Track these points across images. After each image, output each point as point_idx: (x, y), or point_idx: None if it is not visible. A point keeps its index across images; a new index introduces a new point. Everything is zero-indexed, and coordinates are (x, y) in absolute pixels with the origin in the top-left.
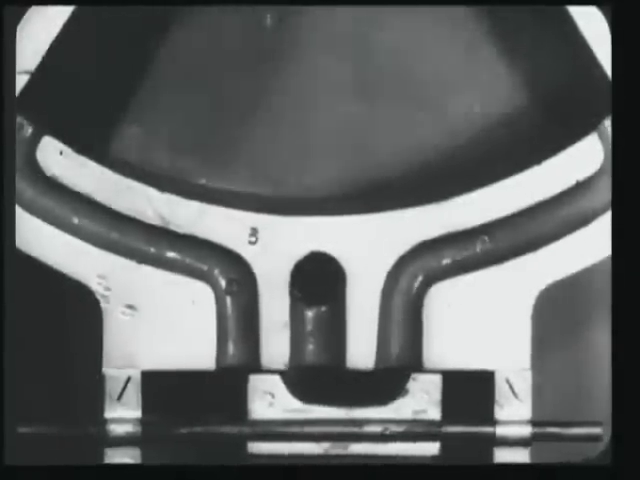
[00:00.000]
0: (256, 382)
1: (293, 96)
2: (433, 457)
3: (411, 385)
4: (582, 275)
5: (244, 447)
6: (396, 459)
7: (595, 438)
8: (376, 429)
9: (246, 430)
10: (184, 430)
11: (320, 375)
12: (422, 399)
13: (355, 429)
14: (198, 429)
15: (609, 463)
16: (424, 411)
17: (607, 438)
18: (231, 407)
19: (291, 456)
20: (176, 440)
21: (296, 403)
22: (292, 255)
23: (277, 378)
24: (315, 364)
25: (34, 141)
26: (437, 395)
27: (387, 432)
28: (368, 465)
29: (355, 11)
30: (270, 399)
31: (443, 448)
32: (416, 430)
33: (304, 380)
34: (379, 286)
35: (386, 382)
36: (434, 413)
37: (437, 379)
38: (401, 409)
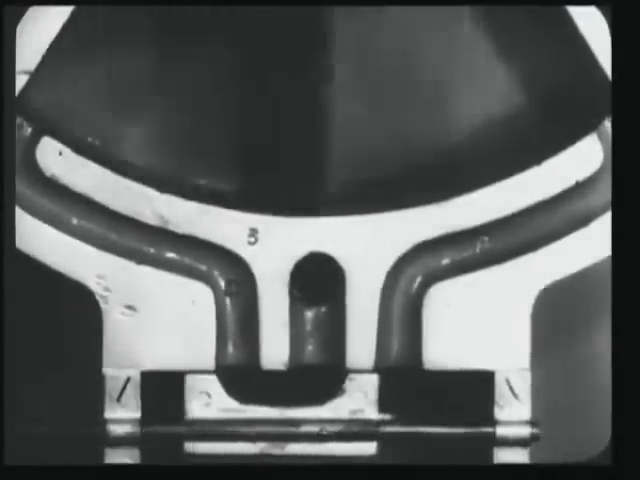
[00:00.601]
0: (193, 382)
1: (293, 96)
2: (370, 457)
3: (348, 385)
4: (582, 275)
5: (181, 447)
6: (332, 459)
7: (595, 438)
8: (313, 429)
9: (183, 430)
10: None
11: (254, 375)
12: (359, 398)
13: (292, 429)
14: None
15: (609, 463)
16: (361, 411)
17: (607, 438)
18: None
19: (227, 456)
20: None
21: (232, 403)
22: (291, 255)
23: (214, 378)
24: (315, 364)
25: (33, 141)
26: (374, 395)
27: (324, 432)
28: (305, 465)
29: (355, 11)
30: (206, 399)
31: (380, 448)
32: (353, 430)
33: (239, 380)
34: (379, 286)
35: (324, 382)
36: (371, 413)
37: (374, 378)
38: (338, 409)
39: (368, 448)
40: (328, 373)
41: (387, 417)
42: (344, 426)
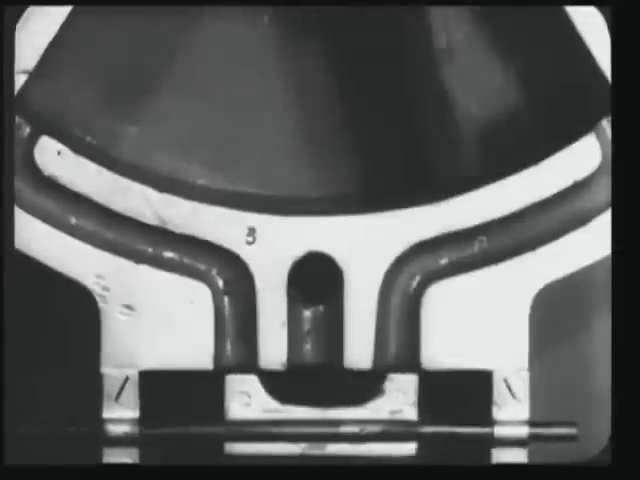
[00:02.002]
0: (233, 383)
1: (292, 96)
2: (410, 457)
3: (387, 385)
4: (581, 275)
5: (221, 447)
6: (373, 459)
7: (568, 438)
8: (353, 429)
9: (223, 430)
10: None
11: (296, 375)
12: (398, 399)
13: (332, 429)
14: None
15: (609, 463)
16: (400, 411)
17: (607, 438)
18: (209, 407)
19: (268, 457)
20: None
21: (273, 403)
22: (290, 255)
23: (254, 379)
24: (313, 364)
25: (32, 141)
26: (413, 395)
27: (364, 432)
28: (345, 465)
29: (355, 11)
30: (247, 399)
31: (420, 448)
32: (393, 430)
33: (280, 380)
34: (377, 286)
35: (362, 382)
36: (410, 413)
37: (413, 379)
38: (377, 409)
39: (408, 449)
40: (326, 372)
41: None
42: (384, 426)
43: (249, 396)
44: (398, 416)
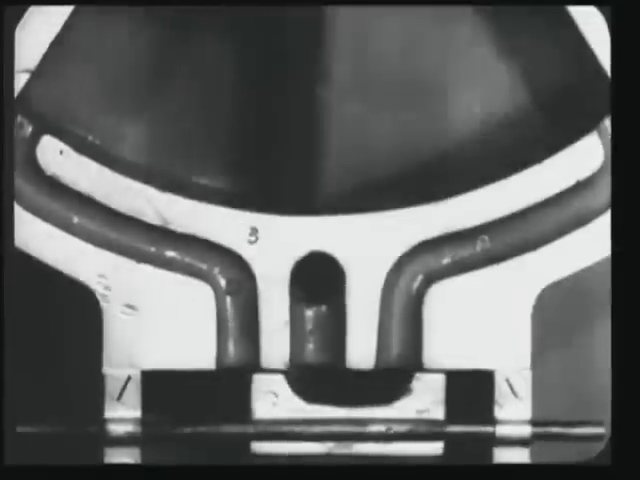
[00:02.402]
0: (259, 382)
1: (293, 96)
2: (437, 457)
3: (414, 384)
4: (582, 275)
5: (248, 447)
6: (400, 459)
7: (596, 438)
8: (379, 429)
9: (250, 430)
10: (187, 430)
11: (323, 374)
12: (425, 399)
13: (359, 429)
14: (202, 429)
15: (609, 463)
16: (427, 410)
17: (607, 438)
18: (234, 407)
19: (295, 456)
20: (177, 440)
21: (299, 403)
22: (292, 254)
23: (280, 378)
24: (315, 363)
25: (34, 140)
26: (440, 394)
27: (391, 432)
28: (372, 465)
29: (355, 11)
30: (273, 399)
31: (446, 448)
32: (419, 430)
33: (307, 380)
34: (379, 286)
35: (389, 381)
36: (437, 413)
37: (440, 378)
38: (404, 408)
39: (435, 448)
40: (328, 372)
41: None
42: (411, 426)
43: (276, 395)
44: (425, 415)
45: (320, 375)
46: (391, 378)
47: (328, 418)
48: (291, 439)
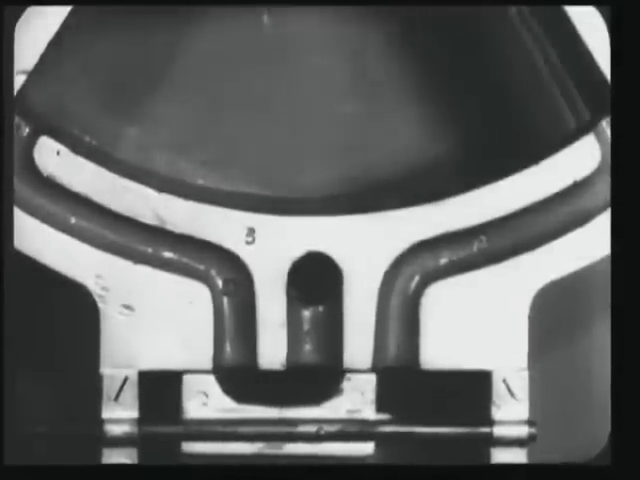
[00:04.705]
0: (190, 382)
1: (291, 96)
2: (367, 457)
3: (345, 384)
4: (580, 275)
5: (178, 447)
6: (330, 459)
7: (593, 437)
8: (310, 429)
9: (180, 430)
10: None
11: (252, 375)
12: (356, 398)
13: (289, 429)
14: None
15: (608, 463)
16: (358, 411)
17: (607, 438)
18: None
19: (225, 456)
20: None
21: (229, 403)
22: (289, 255)
23: (211, 378)
24: (312, 364)
25: (31, 141)
26: (371, 395)
27: (321, 432)
28: (302, 465)
29: (353, 11)
30: (204, 399)
31: (378, 448)
32: (350, 430)
33: (237, 379)
34: (376, 286)
35: (320, 382)
36: (368, 412)
37: (371, 378)
38: (335, 409)
39: (365, 448)
40: (325, 373)
41: (384, 417)
42: (341, 426)
43: (206, 395)
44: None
45: (250, 375)
46: (321, 378)
47: (258, 418)
48: (221, 439)
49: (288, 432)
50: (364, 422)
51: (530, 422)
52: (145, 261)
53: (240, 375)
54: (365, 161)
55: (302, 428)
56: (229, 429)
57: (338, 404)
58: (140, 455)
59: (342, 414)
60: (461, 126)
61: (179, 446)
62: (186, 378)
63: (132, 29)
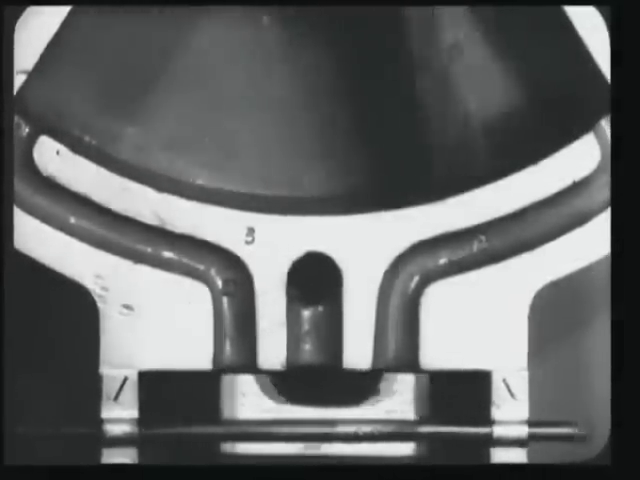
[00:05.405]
0: (229, 382)
1: (291, 96)
2: (408, 457)
3: (383, 385)
4: (580, 274)
5: (217, 447)
6: (369, 459)
7: (569, 438)
8: (349, 429)
9: (219, 430)
10: (185, 430)
11: (292, 375)
12: (395, 399)
13: (328, 429)
14: (200, 429)
15: (608, 463)
16: (396, 411)
17: (607, 438)
18: (203, 407)
19: (264, 456)
20: (175, 440)
21: (268, 403)
22: (289, 255)
23: (250, 378)
24: (312, 364)
25: (31, 141)
26: (410, 395)
27: (360, 432)
28: (342, 465)
29: (352, 11)
30: (243, 399)
31: (419, 448)
32: (389, 430)
33: (277, 380)
34: (376, 286)
35: (358, 382)
36: (407, 413)
37: (410, 379)
38: (374, 409)
39: (404, 448)
40: (325, 372)
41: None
42: (380, 426)
43: (245, 396)
44: (394, 416)
45: (290, 375)
46: (360, 379)
47: (297, 419)
48: (260, 440)
49: (327, 433)
50: (403, 423)
51: (530, 422)
52: (145, 261)
53: (279, 376)
54: (365, 161)
55: (341, 429)
56: (268, 430)
57: (377, 404)
58: (140, 455)
59: (381, 414)
60: (461, 126)
61: (218, 447)
62: (225, 378)
63: (132, 29)
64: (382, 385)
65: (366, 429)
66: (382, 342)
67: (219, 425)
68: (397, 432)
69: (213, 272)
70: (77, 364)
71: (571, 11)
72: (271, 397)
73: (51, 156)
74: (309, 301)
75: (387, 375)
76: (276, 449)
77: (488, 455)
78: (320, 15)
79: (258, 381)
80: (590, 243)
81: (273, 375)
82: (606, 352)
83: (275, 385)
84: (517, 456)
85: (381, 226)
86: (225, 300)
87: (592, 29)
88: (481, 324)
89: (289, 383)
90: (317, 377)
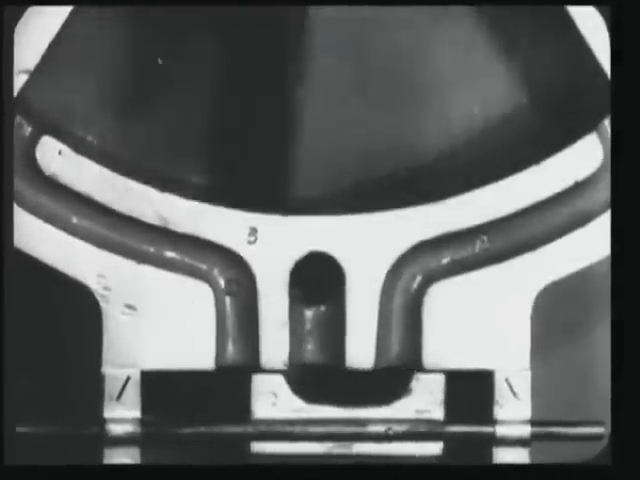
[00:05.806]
0: (259, 382)
1: (292, 96)
2: (436, 457)
3: (414, 385)
4: (582, 274)
5: (247, 447)
6: (399, 459)
7: (596, 438)
8: (379, 429)
9: (249, 430)
10: (187, 430)
11: (322, 374)
12: (425, 399)
13: (358, 429)
14: (201, 429)
15: (609, 463)
16: (427, 411)
17: (607, 438)
18: (234, 407)
19: (294, 456)
20: (177, 440)
21: (299, 403)
22: (291, 254)
23: (280, 378)
24: (315, 363)
25: (33, 141)
26: (440, 395)
27: (390, 432)
28: (372, 465)
29: (353, 11)
30: (273, 399)
31: (446, 448)
32: (419, 430)
33: (307, 380)
34: (378, 286)
35: (388, 381)
36: (437, 413)
37: (440, 379)
38: (404, 409)
39: (434, 448)
40: (328, 372)
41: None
42: (410, 426)
43: (276, 396)
44: (425, 415)
45: (319, 375)
46: (390, 378)
47: (327, 418)
48: (290, 439)
49: (357, 432)
50: (433, 422)
51: (532, 422)
52: (147, 261)
53: (310, 375)
54: (367, 161)
55: (371, 428)
56: (298, 429)
57: (407, 404)
58: (142, 455)
59: (411, 414)
60: (461, 125)
61: (248, 446)
62: (255, 378)
63: (133, 29)
64: (413, 384)
65: (396, 428)
66: (385, 342)
67: (247, 424)
68: (427, 432)
69: (216, 272)
70: (79, 364)
71: (571, 11)
72: (302, 397)
73: (53, 156)
74: (312, 301)
75: (418, 374)
76: (303, 449)
77: (490, 455)
78: (317, 13)
79: (288, 380)
80: (593, 243)
81: (299, 375)
82: (607, 352)
83: (303, 384)
84: (519, 456)
85: (384, 226)
86: (228, 300)
87: (592, 29)
88: (483, 324)
89: (317, 383)
90: (319, 377)
